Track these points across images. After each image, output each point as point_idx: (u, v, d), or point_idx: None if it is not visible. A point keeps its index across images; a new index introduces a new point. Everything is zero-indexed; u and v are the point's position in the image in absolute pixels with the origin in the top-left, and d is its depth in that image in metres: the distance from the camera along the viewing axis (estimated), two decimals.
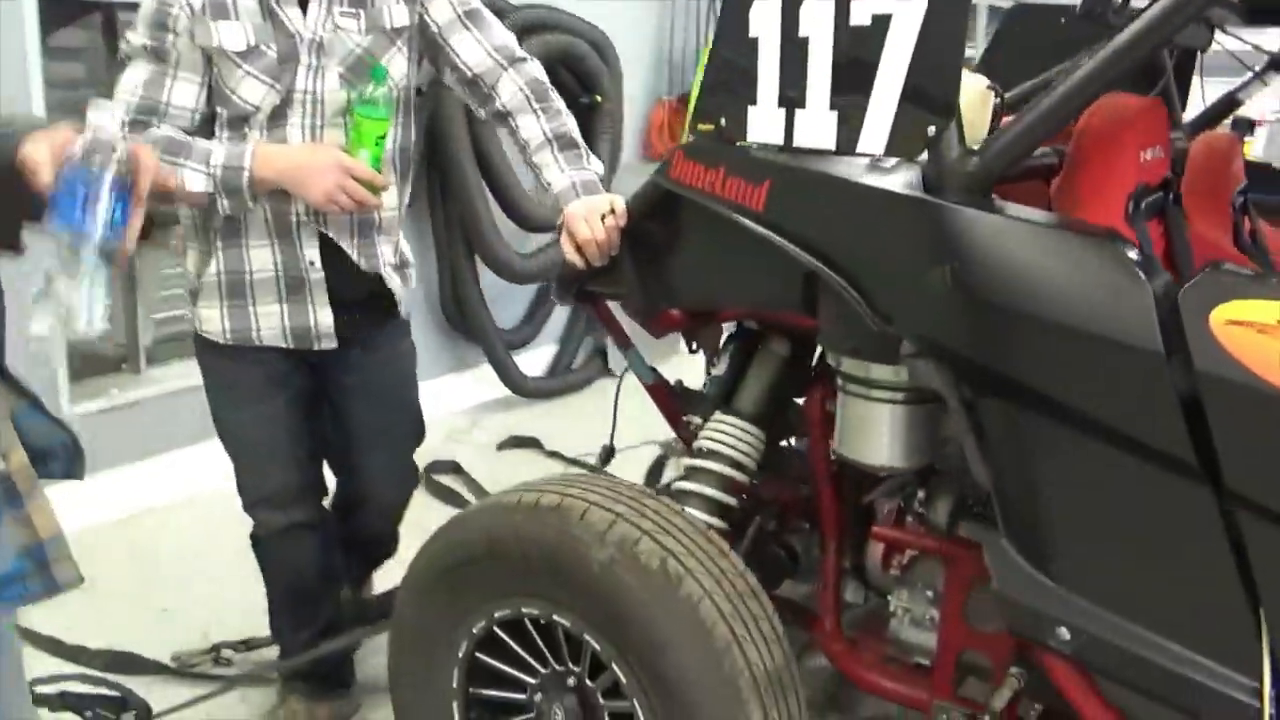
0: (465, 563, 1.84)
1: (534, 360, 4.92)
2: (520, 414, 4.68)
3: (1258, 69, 2.31)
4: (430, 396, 4.49)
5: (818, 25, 1.57)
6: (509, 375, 4.65)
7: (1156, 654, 1.40)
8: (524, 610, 1.78)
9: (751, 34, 1.67)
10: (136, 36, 2.04)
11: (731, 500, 2.07)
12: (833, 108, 1.58)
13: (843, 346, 1.71)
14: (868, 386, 1.74)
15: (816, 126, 1.60)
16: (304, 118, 2.09)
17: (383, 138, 2.06)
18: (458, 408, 4.68)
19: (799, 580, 2.32)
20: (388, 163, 2.15)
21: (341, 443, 2.47)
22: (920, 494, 1.88)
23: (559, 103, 2.27)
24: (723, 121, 1.75)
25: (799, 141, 1.64)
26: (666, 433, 2.50)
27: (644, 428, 2.67)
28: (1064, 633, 1.46)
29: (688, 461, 2.13)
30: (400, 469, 2.58)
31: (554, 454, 4.13)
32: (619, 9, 4.97)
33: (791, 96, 1.63)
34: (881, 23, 1.50)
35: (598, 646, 1.70)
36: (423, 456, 3.98)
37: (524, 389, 4.72)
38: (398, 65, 2.16)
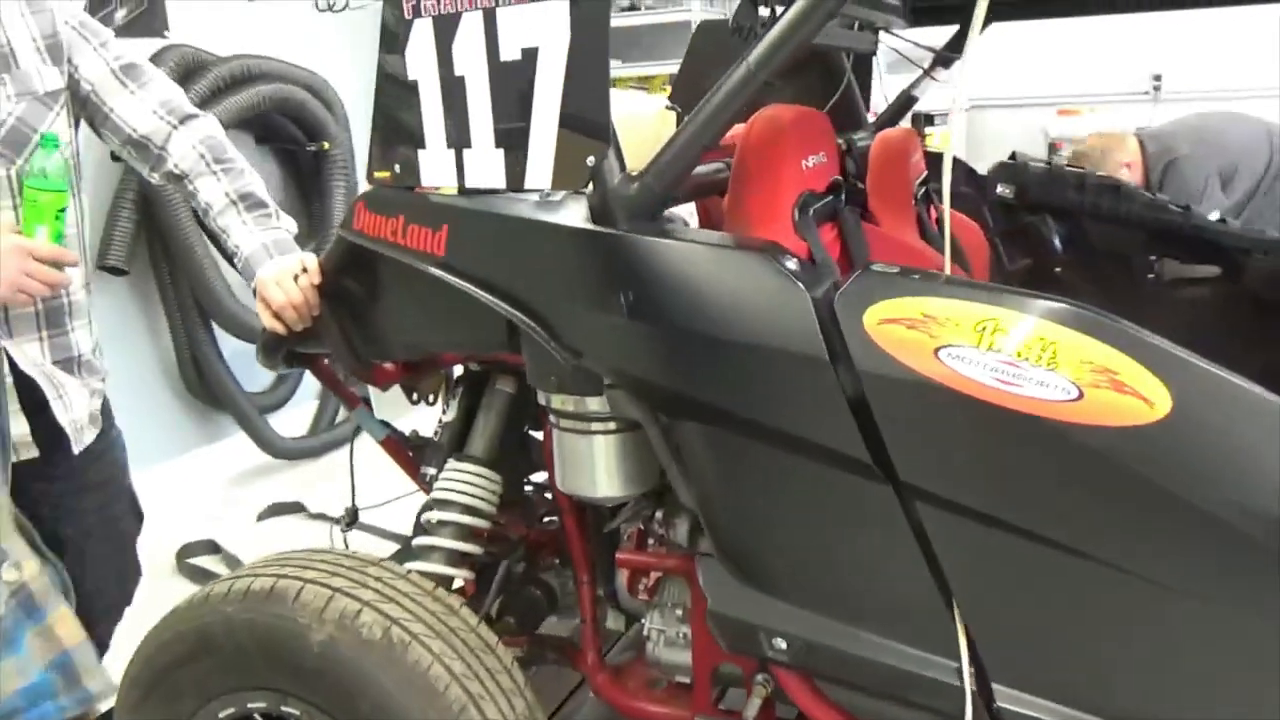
0: (179, 663, 1.71)
1: (293, 420, 4.73)
2: (282, 479, 4.48)
3: (926, 66, 2.43)
4: (179, 474, 4.31)
5: (471, 63, 1.56)
6: (264, 439, 4.45)
7: (866, 649, 1.44)
8: (250, 706, 1.67)
9: (410, 77, 1.64)
10: None
11: (473, 548, 2.01)
12: (498, 145, 1.57)
13: (546, 383, 1.68)
14: (577, 420, 1.72)
15: (486, 166, 1.59)
16: None
17: (63, 211, 1.89)
18: (212, 483, 4.44)
19: (562, 616, 2.29)
20: (72, 238, 1.98)
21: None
22: (658, 515, 1.88)
23: (240, 161, 2.14)
24: (397, 168, 1.71)
25: (471, 182, 1.62)
26: None
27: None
28: (780, 643, 1.48)
29: (424, 515, 2.07)
30: (120, 565, 2.32)
31: (318, 516, 3.97)
32: (339, 56, 4.86)
33: (458, 138, 1.61)
34: (530, 56, 1.49)
35: None
36: (176, 539, 3.81)
37: (283, 452, 4.53)
38: (61, 132, 1.97)
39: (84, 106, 2.05)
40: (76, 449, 2.03)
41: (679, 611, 1.93)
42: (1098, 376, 1.23)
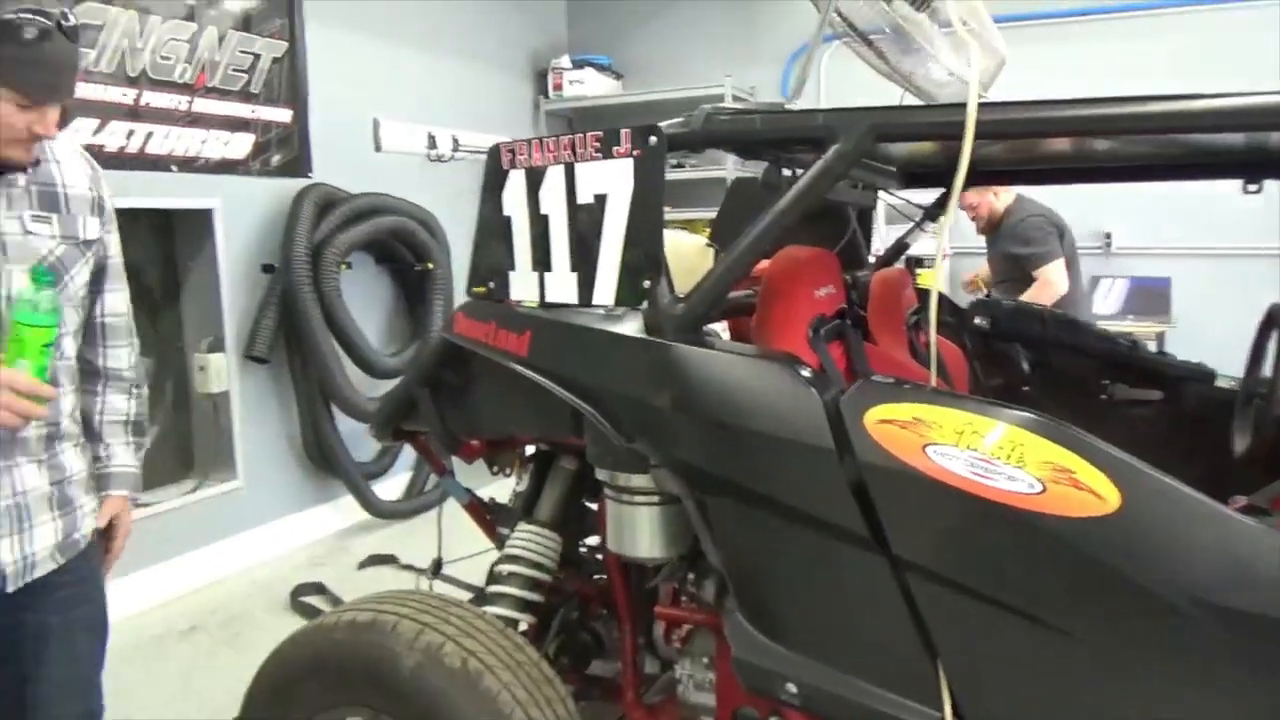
0: (295, 679, 1.72)
1: (391, 487, 4.75)
2: (380, 535, 4.48)
3: (917, 219, 2.48)
4: (298, 527, 4.35)
5: (554, 204, 1.61)
6: (368, 501, 4.47)
7: (863, 696, 1.41)
8: (349, 718, 1.66)
9: (506, 213, 1.70)
10: None
11: (536, 597, 2.00)
12: (572, 269, 1.61)
13: (603, 462, 1.70)
14: (628, 493, 1.73)
15: (561, 285, 1.63)
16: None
17: (49, 345, 1.56)
18: (323, 534, 4.46)
19: (608, 660, 2.26)
20: (65, 371, 1.68)
21: (13, 682, 1.71)
22: (691, 576, 1.87)
23: (145, 389, 1.92)
24: (491, 285, 1.76)
25: (549, 298, 1.66)
26: None
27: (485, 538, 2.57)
28: (791, 687, 1.45)
29: (498, 567, 2.07)
30: (85, 679, 1.81)
31: (408, 567, 3.96)
32: (443, 195, 5.02)
33: (540, 262, 1.66)
34: (601, 200, 1.54)
35: None
36: (290, 581, 3.82)
37: (382, 512, 4.54)
38: (83, 277, 1.70)
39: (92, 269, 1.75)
40: (10, 587, 1.63)
41: (706, 659, 1.90)
42: (1058, 474, 1.24)
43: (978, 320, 2.58)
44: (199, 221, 3.91)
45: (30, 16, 1.47)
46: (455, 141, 5.09)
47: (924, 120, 1.46)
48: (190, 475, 4.08)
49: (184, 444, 4.14)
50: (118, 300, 1.81)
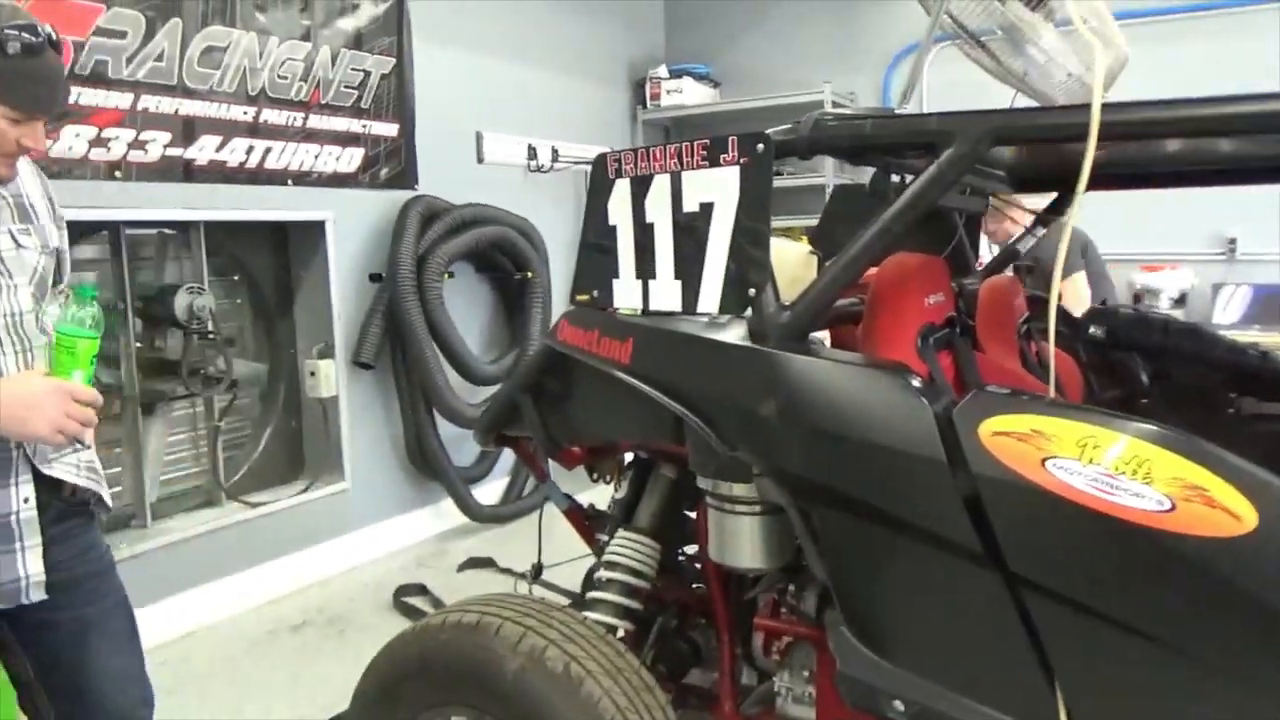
0: (402, 677, 1.76)
1: (490, 491, 4.83)
2: (479, 538, 4.56)
3: (1027, 225, 2.40)
4: (401, 529, 4.46)
5: (660, 213, 1.62)
6: (467, 505, 4.56)
7: (975, 717, 1.36)
8: (453, 717, 1.70)
9: (610, 223, 1.71)
10: None
11: (635, 604, 2.01)
12: (676, 277, 1.61)
13: (706, 470, 1.69)
14: (729, 502, 1.72)
15: (665, 293, 1.63)
16: (13, 343, 1.60)
17: (94, 357, 1.63)
18: (424, 537, 4.57)
19: (705, 669, 2.25)
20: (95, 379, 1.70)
21: (59, 674, 1.74)
22: (791, 588, 1.84)
23: None
24: (595, 293, 1.77)
25: (653, 306, 1.66)
26: None
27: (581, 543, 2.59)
28: (898, 705, 1.41)
29: (597, 574, 2.08)
30: (136, 663, 1.85)
31: (506, 570, 4.02)
32: (542, 204, 5.11)
33: (645, 270, 1.66)
34: (707, 209, 1.54)
35: None
36: (393, 582, 3.92)
37: (481, 516, 4.62)
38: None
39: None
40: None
41: (806, 673, 1.87)
42: (1189, 491, 1.17)
43: (1093, 329, 2.47)
44: (312, 233, 4.07)
45: (17, 32, 1.50)
46: (555, 152, 5.20)
47: (1046, 122, 1.41)
48: (300, 476, 4.24)
49: (295, 446, 4.30)
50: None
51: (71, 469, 1.71)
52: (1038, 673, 1.31)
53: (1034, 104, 1.86)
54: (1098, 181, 1.44)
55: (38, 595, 1.64)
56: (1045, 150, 1.71)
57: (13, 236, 1.64)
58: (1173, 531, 1.16)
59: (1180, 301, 4.77)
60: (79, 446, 1.71)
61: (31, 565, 1.63)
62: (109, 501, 1.81)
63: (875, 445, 1.36)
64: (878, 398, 1.38)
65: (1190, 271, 4.82)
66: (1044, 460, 1.24)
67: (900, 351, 1.63)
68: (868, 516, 1.41)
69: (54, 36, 1.57)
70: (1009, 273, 2.49)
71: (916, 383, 1.37)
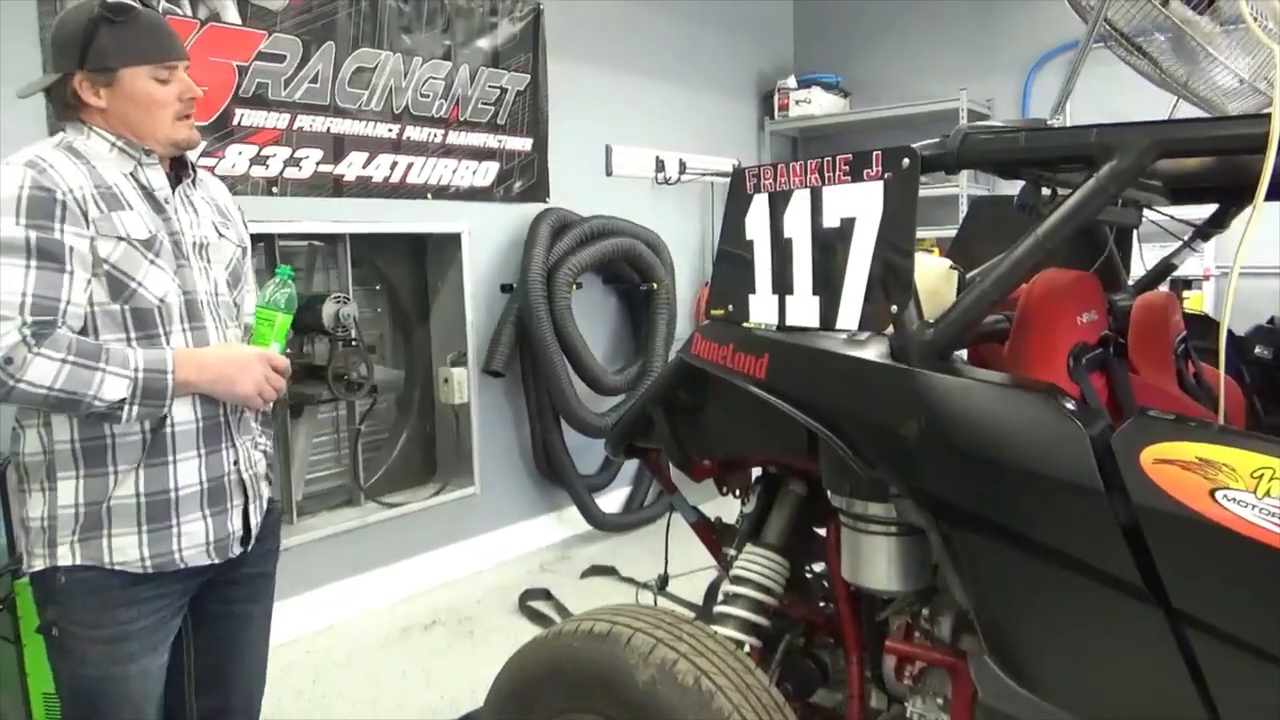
0: (535, 681, 1.80)
1: (612, 500, 4.89)
2: (601, 546, 4.62)
3: (1186, 238, 2.26)
4: (526, 533, 4.56)
5: (798, 228, 1.60)
6: (590, 513, 4.62)
7: None
8: None
9: (748, 237, 1.70)
10: (8, 227, 1.50)
11: (763, 620, 2.00)
12: (815, 293, 1.59)
13: (840, 488, 1.67)
14: (865, 521, 1.68)
15: (803, 309, 1.61)
16: (213, 319, 1.74)
17: (287, 331, 1.80)
18: (548, 542, 4.66)
19: (831, 689, 2.21)
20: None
21: (209, 661, 1.87)
22: (925, 611, 1.79)
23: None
24: (730, 307, 1.77)
25: (790, 321, 1.64)
26: None
27: (705, 555, 2.59)
28: None
29: (725, 588, 2.08)
30: (265, 665, 2.00)
31: (628, 579, 4.06)
32: (669, 216, 5.14)
33: (782, 285, 1.65)
34: (848, 224, 1.52)
35: None
36: (518, 585, 4.02)
37: (603, 524, 4.68)
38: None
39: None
40: (238, 550, 1.80)
41: (940, 700, 1.81)
42: None
43: (1259, 350, 2.32)
44: (449, 245, 4.22)
45: (106, 4, 1.61)
46: (682, 165, 5.23)
47: (1218, 134, 1.33)
48: (433, 480, 4.39)
49: (428, 451, 4.46)
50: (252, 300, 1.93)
51: (262, 456, 1.87)
52: (1200, 714, 1.23)
53: (1198, 113, 1.76)
54: (1274, 192, 1.35)
55: (238, 550, 1.79)
56: (1207, 160, 1.61)
57: (216, 228, 1.81)
58: None
59: None
60: (267, 417, 1.88)
61: (236, 523, 1.78)
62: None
63: (1025, 471, 1.30)
64: (1027, 420, 1.32)
65: None
66: (1213, 491, 1.16)
67: (1051, 372, 1.56)
68: (1015, 543, 1.35)
69: None
70: (1164, 288, 2.36)
71: (1070, 405, 1.31)
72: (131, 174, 1.68)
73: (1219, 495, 1.16)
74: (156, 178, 1.71)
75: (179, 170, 1.77)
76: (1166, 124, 1.30)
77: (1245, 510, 1.14)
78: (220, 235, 1.81)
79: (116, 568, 1.63)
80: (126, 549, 1.64)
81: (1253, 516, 1.14)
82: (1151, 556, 1.21)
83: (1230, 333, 2.40)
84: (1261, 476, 1.15)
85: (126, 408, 1.56)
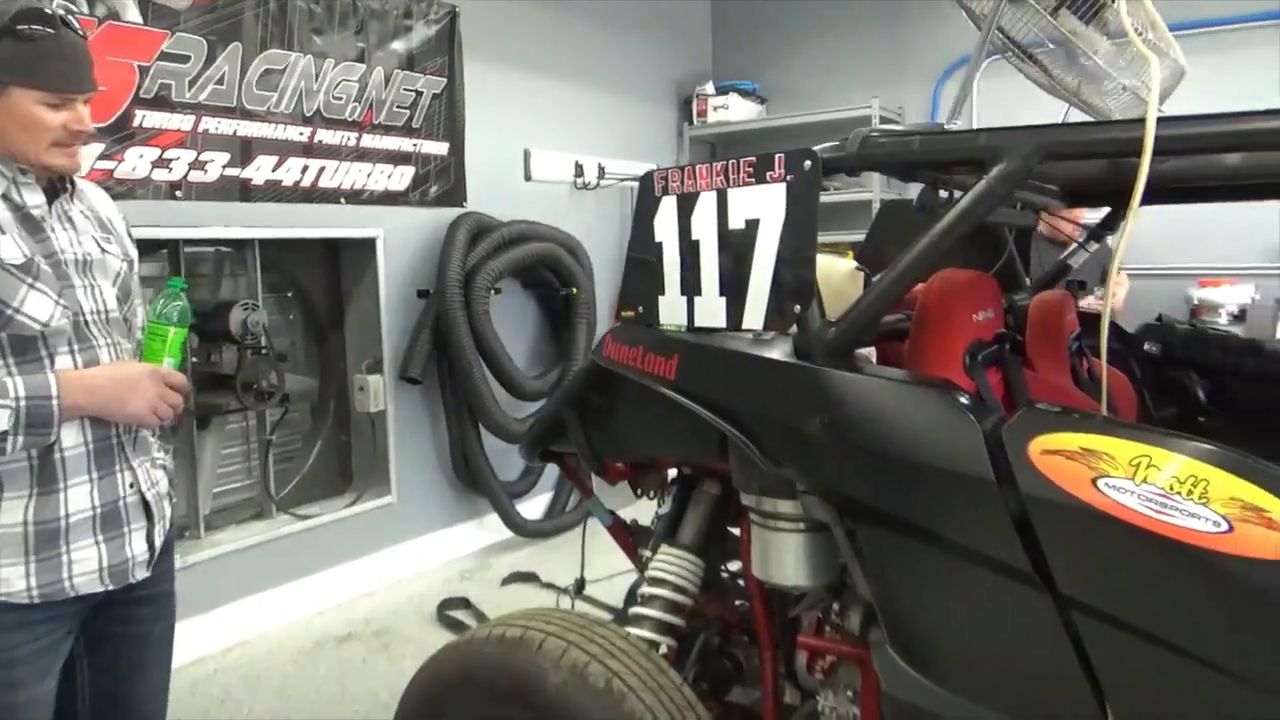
0: (447, 689, 1.78)
1: (534, 506, 4.86)
2: (523, 553, 4.58)
3: (1080, 239, 2.36)
4: (446, 542, 4.50)
5: (705, 230, 1.63)
6: (512, 520, 4.58)
7: None
8: None
9: (657, 239, 1.72)
10: None
11: (678, 620, 2.00)
12: (721, 294, 1.61)
13: (750, 487, 1.69)
14: (774, 519, 1.71)
15: (710, 310, 1.63)
16: (105, 337, 1.67)
17: (183, 345, 1.75)
18: (469, 550, 4.61)
19: (747, 687, 2.23)
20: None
21: (104, 685, 1.80)
22: (836, 606, 1.83)
23: None
24: (640, 309, 1.78)
25: (698, 322, 1.66)
26: None
27: (626, 558, 2.60)
28: None
29: (639, 590, 2.09)
30: (167, 685, 1.93)
31: (549, 585, 4.03)
32: (588, 221, 5.14)
33: (690, 287, 1.67)
34: (752, 226, 1.54)
35: None
36: (437, 594, 3.96)
37: (525, 531, 4.65)
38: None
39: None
40: (140, 575, 1.74)
41: (850, 692, 1.85)
42: (1248, 513, 1.14)
43: (1148, 346, 2.42)
44: (363, 250, 4.15)
45: (28, 15, 1.52)
46: (601, 169, 5.24)
47: (1097, 137, 1.39)
48: (349, 490, 4.30)
49: (344, 460, 4.37)
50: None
51: (164, 474, 1.80)
52: (1088, 697, 1.28)
53: (1087, 118, 1.84)
54: (1153, 196, 1.42)
55: (142, 574, 1.73)
56: (1099, 164, 1.69)
57: (98, 243, 1.73)
58: (1230, 553, 1.13)
59: (1240, 317, 4.65)
60: (167, 433, 1.81)
61: (137, 546, 1.71)
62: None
63: (922, 464, 1.34)
64: (924, 415, 1.36)
65: (1251, 286, 4.70)
66: (1095, 479, 1.22)
67: (947, 369, 1.61)
68: (914, 535, 1.39)
69: (65, 16, 1.59)
70: (1060, 289, 2.46)
71: (964, 400, 1.35)
72: (4, 195, 1.59)
73: (1100, 483, 1.21)
74: (32, 196, 1.62)
75: (55, 183, 1.68)
76: (1050, 128, 1.36)
77: (1124, 497, 1.20)
78: (104, 251, 1.72)
79: (2, 598, 1.57)
80: (13, 579, 1.57)
81: (1131, 503, 1.19)
82: (1039, 544, 1.26)
83: (1121, 330, 2.52)
84: (1139, 464, 1.20)
85: (11, 438, 1.50)
